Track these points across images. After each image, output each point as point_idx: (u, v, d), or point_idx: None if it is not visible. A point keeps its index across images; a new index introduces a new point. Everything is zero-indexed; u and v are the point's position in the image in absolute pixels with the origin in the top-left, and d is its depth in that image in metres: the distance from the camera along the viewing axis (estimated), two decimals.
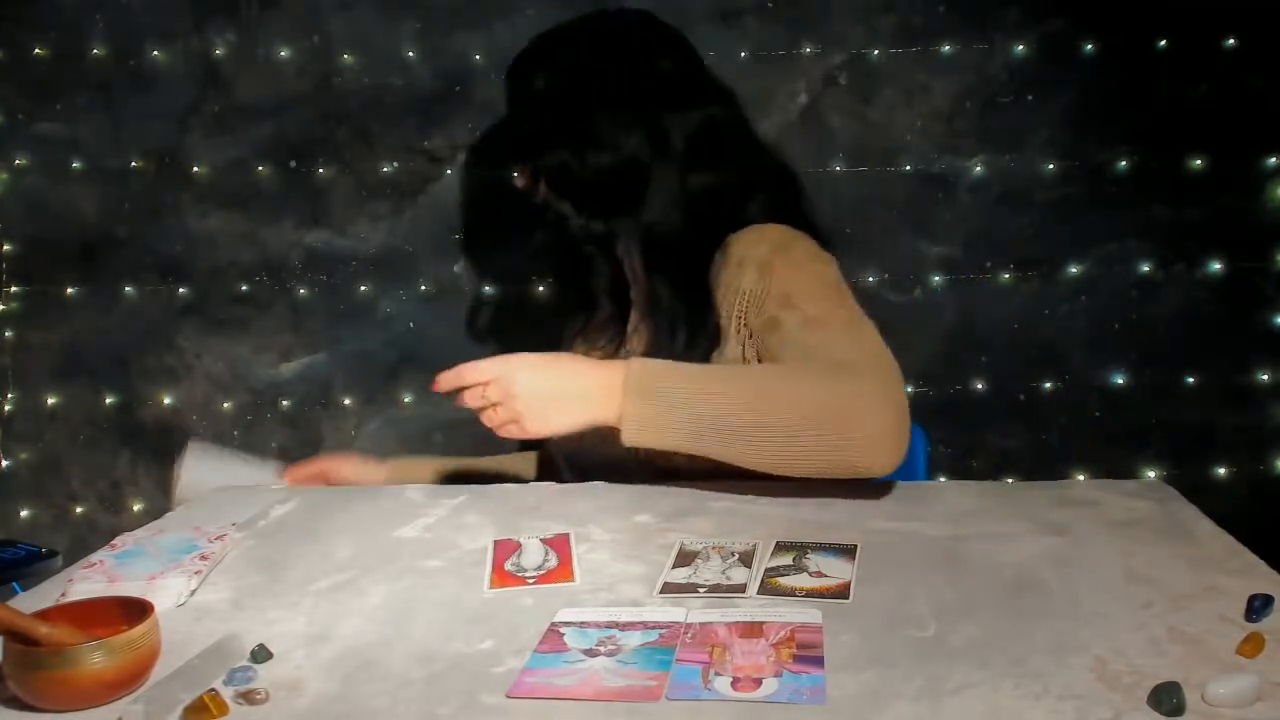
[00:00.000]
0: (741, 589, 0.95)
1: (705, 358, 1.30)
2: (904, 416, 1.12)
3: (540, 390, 1.15)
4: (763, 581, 0.96)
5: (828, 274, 1.29)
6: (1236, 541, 1.01)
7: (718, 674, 0.78)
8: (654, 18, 1.40)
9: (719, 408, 1.12)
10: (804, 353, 1.21)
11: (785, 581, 0.95)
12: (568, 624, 0.89)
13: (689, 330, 1.32)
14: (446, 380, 1.15)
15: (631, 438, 1.14)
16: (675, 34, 1.40)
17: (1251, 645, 0.78)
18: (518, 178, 1.40)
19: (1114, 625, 0.84)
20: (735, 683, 0.77)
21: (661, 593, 0.95)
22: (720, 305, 1.31)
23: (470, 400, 1.15)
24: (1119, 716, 0.71)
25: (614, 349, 1.43)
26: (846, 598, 0.92)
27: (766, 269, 1.28)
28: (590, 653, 0.83)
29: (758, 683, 0.77)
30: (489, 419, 1.16)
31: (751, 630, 0.85)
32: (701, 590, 0.95)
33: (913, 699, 0.74)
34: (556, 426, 1.15)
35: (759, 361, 1.29)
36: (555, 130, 1.35)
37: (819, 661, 0.80)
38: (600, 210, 1.37)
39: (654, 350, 1.34)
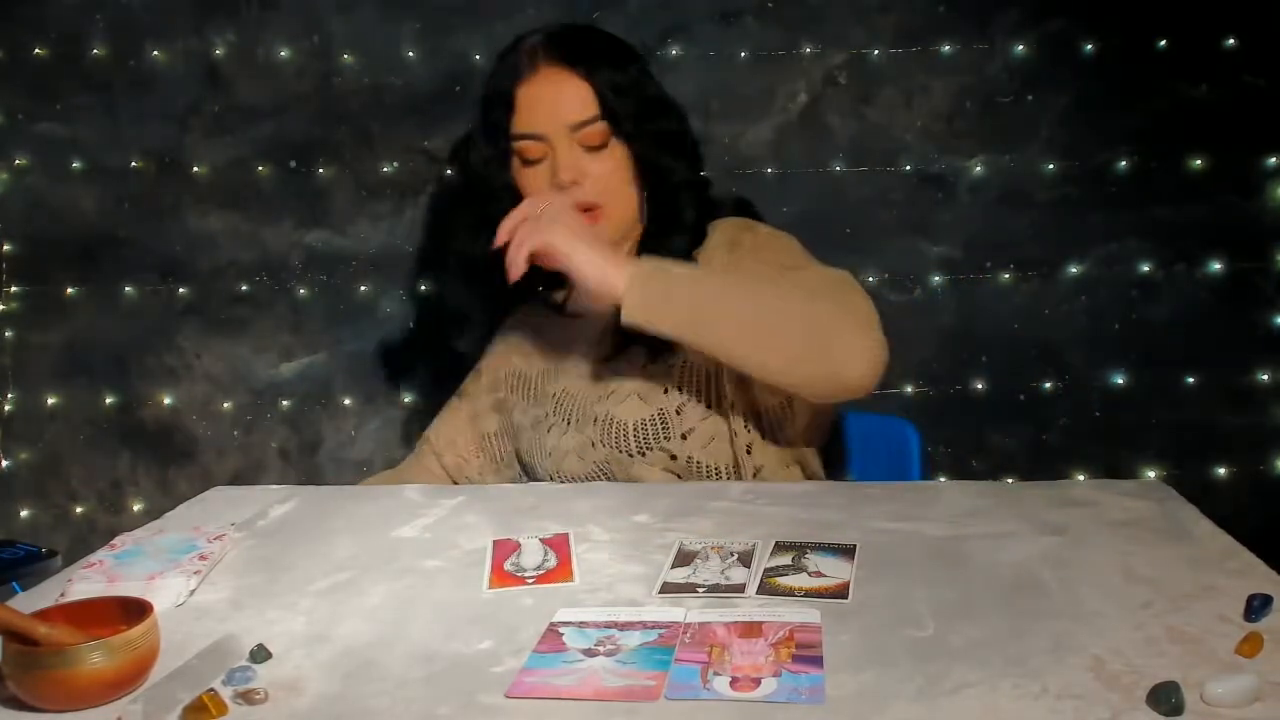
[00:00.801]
0: (740, 589, 0.95)
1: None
2: (883, 343, 1.21)
3: (572, 223, 1.23)
4: (762, 581, 0.96)
5: (795, 243, 1.38)
6: (1236, 541, 1.01)
7: (716, 674, 0.78)
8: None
9: (717, 299, 1.21)
10: (789, 282, 1.29)
11: (784, 581, 0.95)
12: (567, 624, 0.89)
13: None
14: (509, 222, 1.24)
15: (632, 313, 1.20)
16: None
17: (1250, 645, 0.78)
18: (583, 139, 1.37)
19: (1113, 625, 0.84)
20: (734, 682, 0.77)
21: (660, 593, 0.95)
22: None
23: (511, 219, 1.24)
24: (1118, 716, 0.71)
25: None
26: (845, 597, 0.92)
27: (735, 244, 1.37)
28: (589, 652, 0.83)
29: (756, 682, 0.76)
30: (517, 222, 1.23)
31: (750, 630, 0.85)
32: (700, 590, 0.95)
33: (911, 699, 0.74)
34: (565, 250, 1.21)
35: None
36: (645, 91, 1.39)
37: (818, 661, 0.80)
38: (690, 160, 1.43)
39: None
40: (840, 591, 0.93)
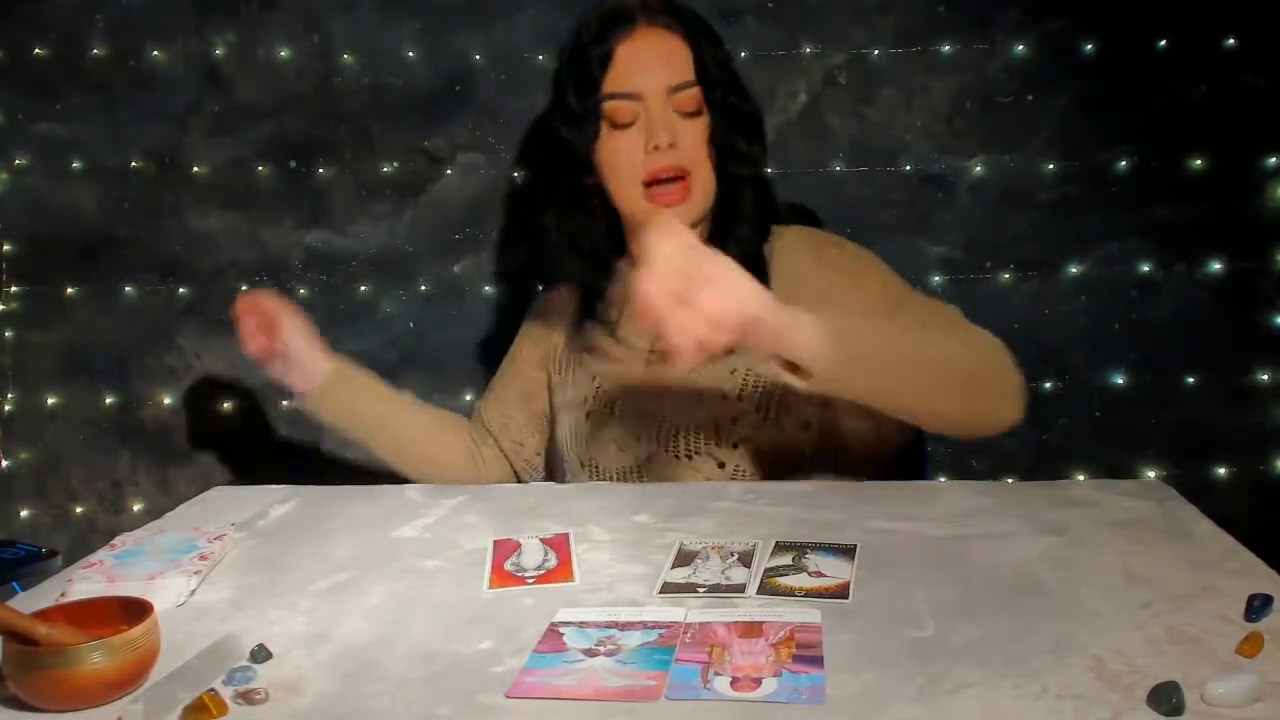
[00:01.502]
0: (741, 589, 0.95)
1: None
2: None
3: (740, 275, 1.00)
4: (762, 581, 0.96)
5: (880, 261, 1.36)
6: (1236, 541, 1.01)
7: (717, 674, 0.78)
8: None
9: (896, 363, 1.10)
10: (940, 324, 1.25)
11: (784, 581, 0.95)
12: (567, 624, 0.89)
13: None
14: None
15: (816, 385, 1.03)
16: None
17: (1251, 645, 0.78)
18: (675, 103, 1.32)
19: (1113, 625, 0.84)
20: (734, 682, 0.77)
21: (661, 593, 0.95)
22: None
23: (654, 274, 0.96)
24: (1118, 716, 0.71)
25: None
26: (846, 597, 0.92)
27: (824, 260, 1.34)
28: (590, 652, 0.83)
29: (757, 682, 0.77)
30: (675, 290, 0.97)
31: (751, 630, 0.85)
32: (701, 590, 0.95)
33: (912, 699, 0.74)
34: (745, 329, 0.98)
35: None
36: (732, 70, 1.36)
37: (818, 661, 0.80)
38: (763, 147, 1.38)
39: None
40: (840, 591, 0.93)
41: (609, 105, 1.31)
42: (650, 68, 1.30)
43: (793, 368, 1.04)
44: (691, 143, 1.31)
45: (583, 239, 1.40)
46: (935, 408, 1.15)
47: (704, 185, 1.33)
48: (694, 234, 1.01)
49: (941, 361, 1.13)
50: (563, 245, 1.41)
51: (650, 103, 1.30)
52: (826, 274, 1.33)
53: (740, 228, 1.35)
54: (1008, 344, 1.21)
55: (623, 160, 1.32)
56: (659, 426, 1.34)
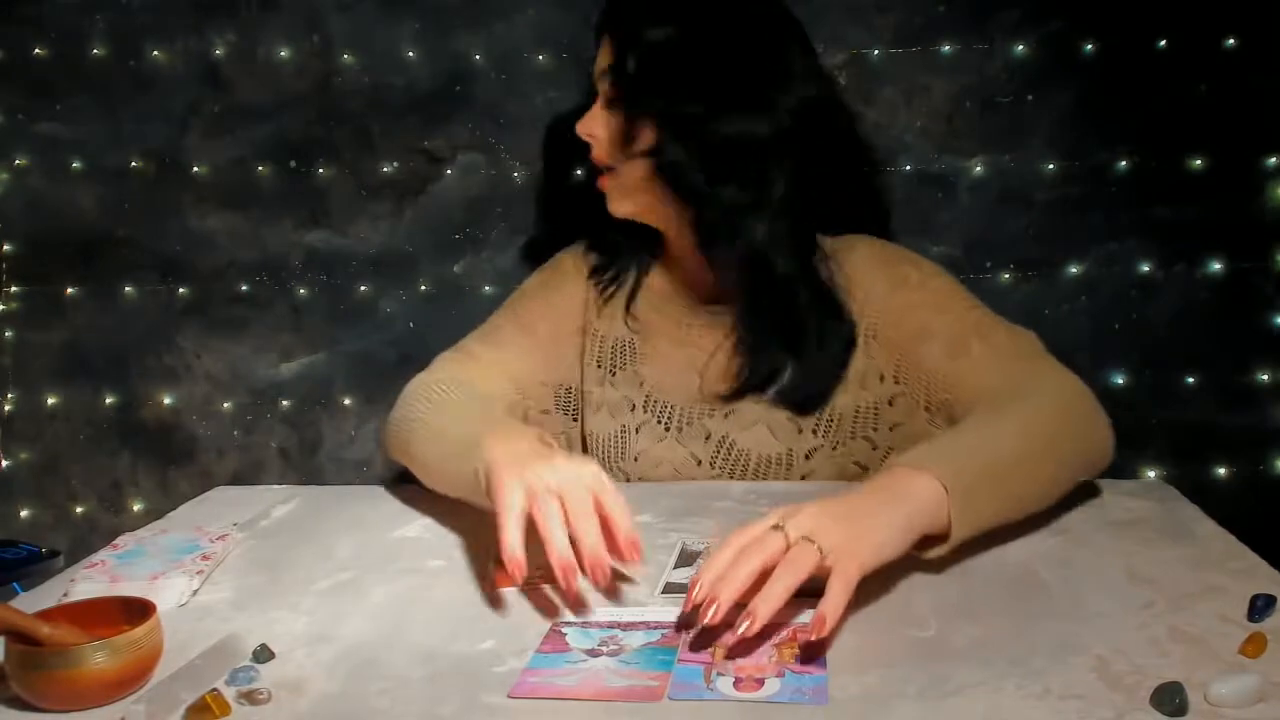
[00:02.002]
0: None
1: (844, 366, 1.25)
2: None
3: (846, 516, 0.88)
4: None
5: (950, 277, 1.30)
6: (1238, 541, 1.01)
7: (720, 674, 0.78)
8: None
9: (1019, 494, 1.00)
10: (996, 367, 1.17)
11: None
12: (570, 624, 0.89)
13: (823, 335, 1.25)
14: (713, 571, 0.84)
15: (955, 542, 0.94)
16: (781, 9, 1.28)
17: (1254, 645, 0.78)
18: (604, 127, 1.26)
19: (1116, 625, 0.84)
20: (737, 683, 0.77)
21: (664, 593, 0.95)
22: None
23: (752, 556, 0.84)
24: (1121, 717, 0.71)
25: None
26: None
27: (899, 280, 1.26)
28: (592, 653, 0.83)
29: (760, 683, 0.77)
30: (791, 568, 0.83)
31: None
32: None
33: (914, 699, 0.74)
34: (887, 541, 0.88)
35: (891, 373, 1.25)
36: (690, 79, 1.21)
37: (821, 661, 0.80)
38: (732, 176, 1.21)
39: (775, 362, 1.25)
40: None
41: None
42: (601, 53, 1.27)
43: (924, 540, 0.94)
44: (603, 139, 1.27)
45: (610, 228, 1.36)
46: (1059, 491, 1.06)
47: (630, 182, 1.26)
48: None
49: (1050, 447, 1.03)
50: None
51: (597, 84, 1.28)
52: (902, 296, 1.26)
53: (749, 244, 1.22)
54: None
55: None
56: (726, 453, 1.28)
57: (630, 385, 1.34)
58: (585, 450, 1.37)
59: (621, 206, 1.30)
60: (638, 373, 1.34)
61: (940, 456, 0.95)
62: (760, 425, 1.27)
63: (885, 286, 1.28)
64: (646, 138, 1.23)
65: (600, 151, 1.28)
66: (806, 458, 1.26)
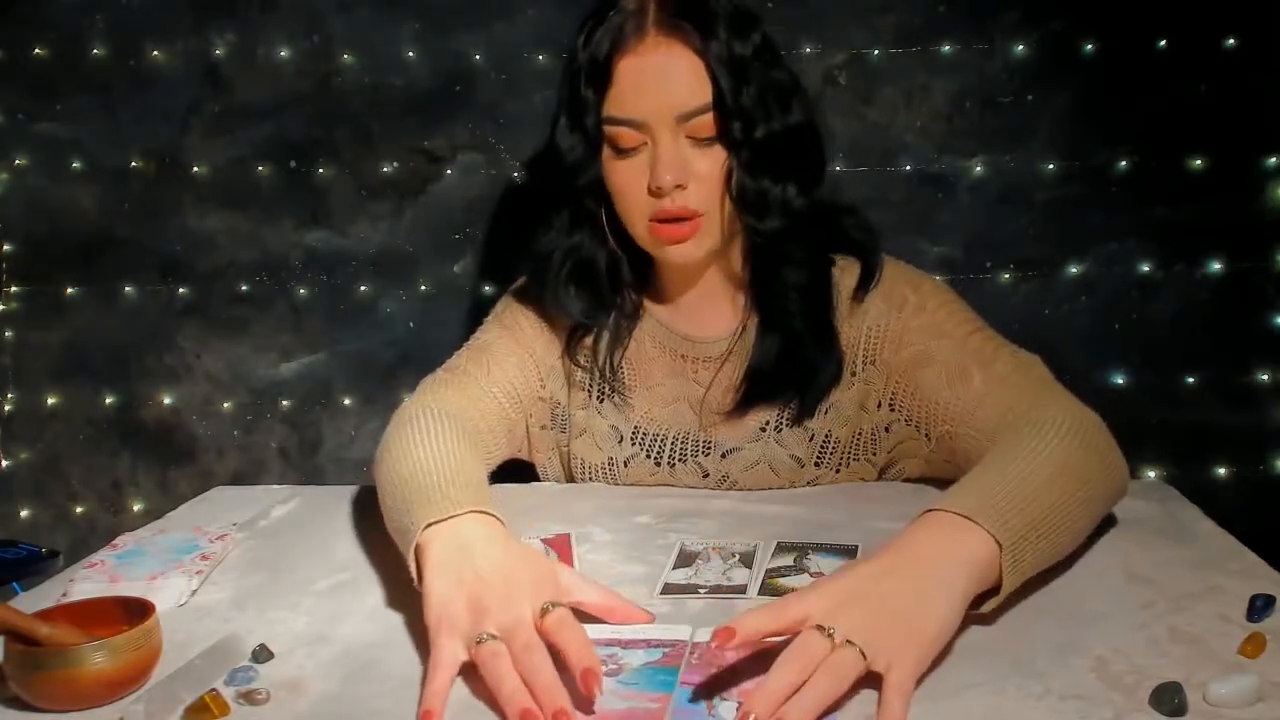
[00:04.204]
0: (742, 590, 0.95)
1: (826, 392, 1.21)
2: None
3: (899, 607, 0.79)
4: (763, 582, 0.95)
5: (954, 295, 1.24)
6: (1237, 541, 1.01)
7: (723, 699, 0.75)
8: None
9: (1055, 519, 0.91)
10: (1000, 400, 1.10)
11: (786, 583, 0.95)
12: None
13: (819, 361, 1.20)
14: (746, 631, 0.76)
15: (1009, 590, 0.86)
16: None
17: (1253, 645, 0.78)
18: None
19: (1115, 625, 0.84)
20: (740, 709, 0.72)
21: (662, 593, 0.95)
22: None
23: (801, 656, 0.75)
24: (1120, 717, 0.71)
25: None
26: None
27: (898, 302, 1.21)
28: None
29: None
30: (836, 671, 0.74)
31: (759, 655, 0.80)
32: (702, 591, 0.95)
33: (914, 700, 0.74)
34: (942, 631, 0.79)
35: (886, 400, 1.21)
36: (769, 73, 1.14)
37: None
38: (804, 179, 1.16)
39: (770, 385, 1.20)
40: None
41: (609, 130, 1.14)
42: (655, 89, 1.11)
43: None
44: (706, 178, 1.13)
45: (587, 270, 1.23)
46: (1090, 529, 0.99)
47: (717, 225, 1.16)
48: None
49: (1084, 487, 0.97)
50: (562, 276, 1.23)
51: (656, 131, 1.11)
52: (899, 320, 1.20)
53: (791, 272, 1.18)
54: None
55: (626, 192, 1.15)
56: (722, 488, 1.24)
57: (617, 415, 1.28)
58: (571, 474, 1.32)
59: (700, 250, 1.17)
60: (627, 401, 1.28)
61: (988, 506, 0.87)
62: (761, 465, 1.24)
63: (882, 308, 1.21)
64: (728, 167, 1.14)
65: (699, 195, 1.13)
66: (809, 485, 1.25)
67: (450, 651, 0.80)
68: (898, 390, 1.21)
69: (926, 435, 1.19)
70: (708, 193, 1.14)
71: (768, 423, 1.23)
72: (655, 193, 1.12)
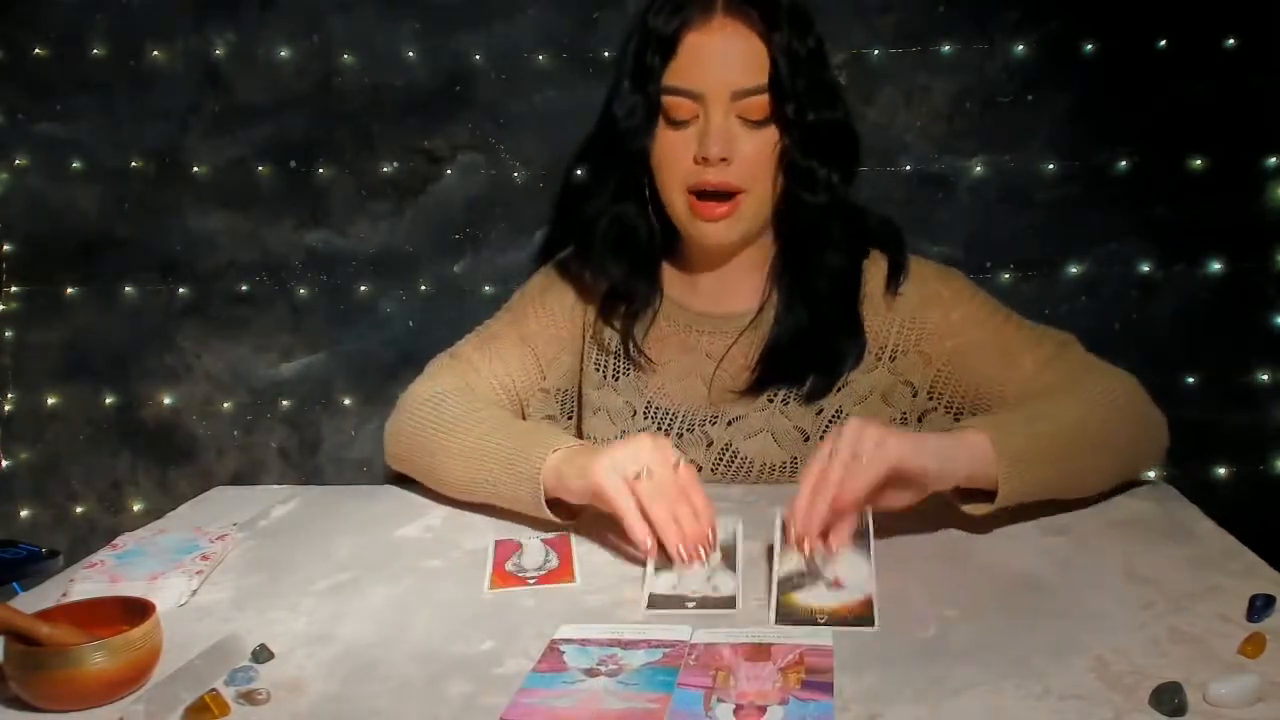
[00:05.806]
0: (731, 601, 0.92)
1: (843, 375, 1.26)
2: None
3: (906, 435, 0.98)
4: (778, 602, 0.91)
5: (982, 292, 1.31)
6: (1237, 542, 1.01)
7: (720, 700, 0.75)
8: None
9: (1070, 467, 1.05)
10: (1048, 378, 1.20)
11: (803, 600, 0.91)
12: (568, 641, 0.86)
13: (843, 344, 1.26)
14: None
15: (1003, 503, 1.02)
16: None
17: (1253, 645, 0.78)
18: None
19: (1115, 625, 0.84)
20: (738, 710, 0.74)
21: (649, 608, 0.93)
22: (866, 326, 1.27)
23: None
24: (1120, 717, 0.71)
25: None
26: (871, 624, 0.87)
27: (932, 298, 1.27)
28: (590, 672, 0.81)
29: (762, 710, 0.73)
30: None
31: (758, 653, 0.81)
32: (690, 605, 0.92)
33: (914, 700, 0.74)
34: (925, 454, 0.98)
35: (925, 387, 1.27)
36: (819, 70, 1.23)
37: (828, 688, 0.76)
38: (845, 166, 1.26)
39: (791, 363, 1.25)
40: (864, 614, 0.88)
41: (666, 99, 1.19)
42: (716, 65, 1.17)
43: (968, 494, 1.04)
44: (750, 157, 1.19)
45: (629, 238, 1.29)
46: (1110, 478, 1.11)
47: (758, 203, 1.22)
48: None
49: (1104, 433, 1.08)
50: (608, 241, 1.29)
51: (710, 105, 1.17)
52: (937, 313, 1.26)
53: (829, 255, 1.25)
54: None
55: (672, 161, 1.21)
56: (729, 461, 1.26)
57: (633, 391, 1.32)
58: None
59: (733, 234, 1.24)
60: (642, 378, 1.32)
61: (993, 422, 1.04)
62: (764, 434, 1.26)
63: (916, 302, 1.27)
64: (780, 147, 1.21)
65: (741, 172, 1.19)
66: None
67: (626, 497, 1.00)
68: (939, 379, 1.27)
69: (957, 416, 1.27)
70: (749, 172, 1.20)
71: (776, 394, 1.27)
72: (701, 162, 1.19)
